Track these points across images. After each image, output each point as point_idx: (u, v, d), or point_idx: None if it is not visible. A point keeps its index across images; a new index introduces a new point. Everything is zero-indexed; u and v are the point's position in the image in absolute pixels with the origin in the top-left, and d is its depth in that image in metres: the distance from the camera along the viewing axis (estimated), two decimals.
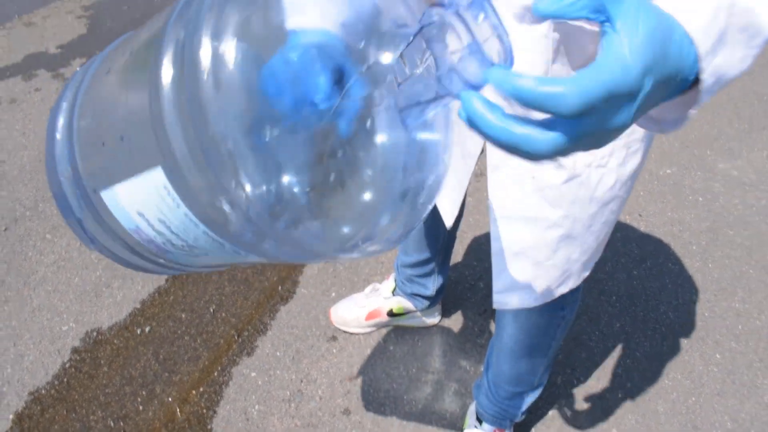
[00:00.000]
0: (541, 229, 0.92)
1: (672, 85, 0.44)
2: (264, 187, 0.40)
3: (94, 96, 0.50)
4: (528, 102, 0.39)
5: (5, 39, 3.08)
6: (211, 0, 0.39)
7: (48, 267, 1.87)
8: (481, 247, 1.96)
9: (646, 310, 1.80)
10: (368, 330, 1.69)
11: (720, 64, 0.46)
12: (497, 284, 1.02)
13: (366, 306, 1.67)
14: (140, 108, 0.42)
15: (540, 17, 0.43)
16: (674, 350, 1.70)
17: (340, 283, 1.83)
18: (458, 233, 1.65)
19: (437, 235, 1.45)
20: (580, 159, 0.84)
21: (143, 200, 0.45)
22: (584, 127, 0.39)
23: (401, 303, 1.64)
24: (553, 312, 1.18)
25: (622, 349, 1.70)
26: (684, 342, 1.72)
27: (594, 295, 1.83)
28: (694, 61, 0.44)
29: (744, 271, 1.93)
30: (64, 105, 0.53)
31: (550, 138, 0.39)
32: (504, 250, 0.97)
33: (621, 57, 0.39)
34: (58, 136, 0.52)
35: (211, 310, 1.75)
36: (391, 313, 1.65)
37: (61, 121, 0.52)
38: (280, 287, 1.81)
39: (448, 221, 1.07)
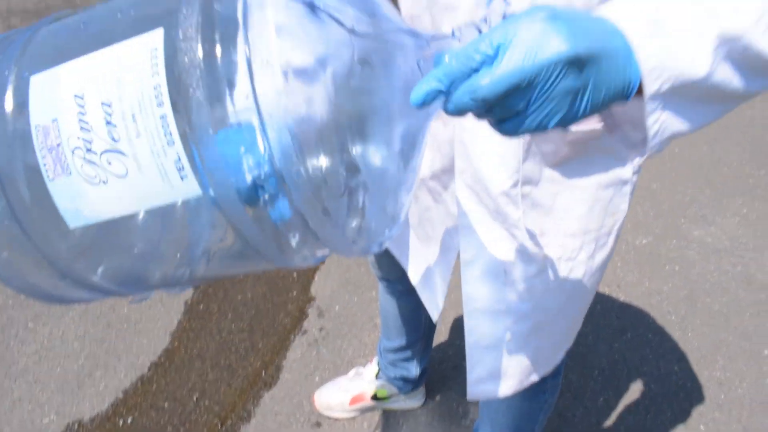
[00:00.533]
0: (511, 322, 0.94)
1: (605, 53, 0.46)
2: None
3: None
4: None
5: None
6: None
7: (29, 357, 1.86)
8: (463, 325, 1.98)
9: (628, 383, 1.81)
10: (353, 414, 1.68)
11: (661, 50, 0.48)
12: (471, 375, 1.04)
13: (350, 390, 1.67)
14: None
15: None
16: (658, 423, 1.71)
17: (323, 367, 1.83)
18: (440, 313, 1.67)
19: (418, 321, 1.48)
20: (550, 252, 0.87)
21: (99, 76, 0.40)
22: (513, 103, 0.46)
23: (385, 387, 1.64)
24: (534, 397, 1.19)
25: (606, 423, 1.70)
26: (668, 414, 1.73)
27: (576, 370, 1.84)
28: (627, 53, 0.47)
29: (723, 339, 1.96)
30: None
31: None
32: (477, 344, 0.99)
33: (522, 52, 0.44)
34: None
35: (194, 399, 1.74)
36: (375, 397, 1.65)
37: None
38: (263, 372, 1.81)
39: (434, 315, 1.09)
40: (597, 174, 0.83)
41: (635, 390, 1.79)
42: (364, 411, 1.69)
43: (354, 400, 1.66)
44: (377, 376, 1.66)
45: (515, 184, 0.80)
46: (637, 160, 0.82)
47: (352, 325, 1.97)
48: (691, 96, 0.51)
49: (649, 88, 0.49)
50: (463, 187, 0.85)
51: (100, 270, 0.47)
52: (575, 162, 0.81)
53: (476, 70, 0.44)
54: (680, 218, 2.50)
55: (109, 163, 0.40)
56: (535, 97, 0.45)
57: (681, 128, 0.52)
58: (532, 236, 0.85)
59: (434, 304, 1.07)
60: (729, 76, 0.50)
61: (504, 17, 0.47)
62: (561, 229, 0.86)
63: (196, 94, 0.37)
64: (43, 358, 1.86)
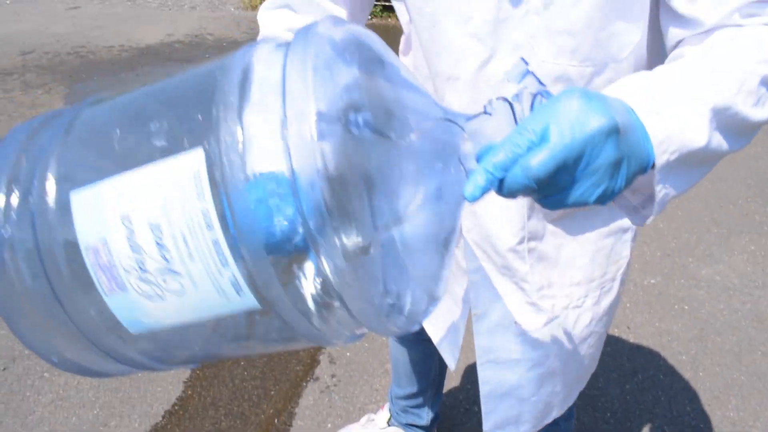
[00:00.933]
0: (524, 369, 0.97)
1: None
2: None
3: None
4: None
5: None
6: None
7: (45, 407, 1.88)
8: (474, 369, 1.99)
9: (641, 425, 1.80)
10: None
11: (668, 127, 0.53)
12: (487, 424, 1.06)
13: None
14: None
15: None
16: None
17: (336, 414, 1.84)
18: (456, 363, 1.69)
19: (429, 368, 1.49)
20: (558, 302, 0.90)
21: (141, 197, 0.40)
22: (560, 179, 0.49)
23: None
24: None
25: None
26: None
27: (588, 412, 1.84)
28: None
29: (735, 378, 1.95)
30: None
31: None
32: (492, 393, 1.02)
33: (565, 135, 0.47)
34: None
35: None
36: None
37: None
38: (276, 420, 1.82)
39: (452, 364, 1.12)
40: (598, 225, 0.87)
41: None
42: None
43: None
44: (389, 423, 1.66)
45: (521, 241, 0.84)
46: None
47: (363, 371, 1.99)
48: (691, 163, 0.56)
49: (660, 160, 0.53)
50: (471, 245, 0.89)
51: (146, 353, 0.48)
52: (577, 216, 0.85)
53: (522, 155, 0.47)
54: (688, 257, 2.51)
55: (165, 281, 0.41)
56: (580, 171, 0.48)
57: (679, 192, 0.58)
58: (539, 288, 0.89)
59: (451, 355, 1.11)
60: (721, 142, 0.57)
61: (537, 93, 0.49)
62: (566, 279, 0.89)
63: (244, 220, 0.38)
64: (59, 407, 1.88)
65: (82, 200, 0.42)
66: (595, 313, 0.94)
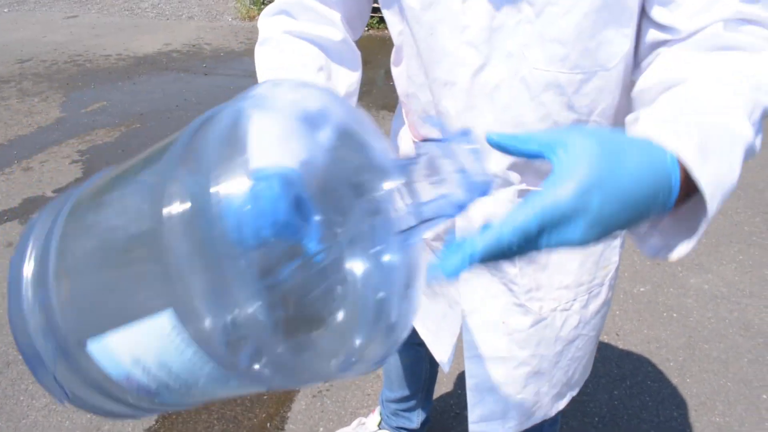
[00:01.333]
0: (510, 367, 0.99)
1: (648, 192, 0.47)
2: (278, 314, 0.42)
3: (77, 239, 0.48)
4: (488, 257, 0.46)
5: (4, 184, 3.23)
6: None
7: (39, 411, 1.90)
8: (464, 375, 2.01)
9: (628, 430, 1.83)
10: None
11: (713, 170, 0.50)
12: (472, 415, 1.08)
13: None
14: (144, 253, 0.43)
15: (494, 147, 0.50)
16: None
17: (327, 418, 1.86)
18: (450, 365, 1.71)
19: (419, 372, 1.52)
20: (546, 305, 0.92)
21: (143, 346, 0.44)
22: (543, 241, 0.46)
23: None
24: None
25: None
26: None
27: (577, 417, 1.86)
28: (669, 174, 0.48)
29: (722, 385, 1.98)
30: (32, 253, 0.49)
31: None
32: (477, 386, 1.04)
33: (548, 196, 0.45)
34: (28, 288, 0.49)
35: None
36: None
37: (29, 270, 0.49)
38: (268, 424, 1.84)
39: (445, 367, 1.14)
40: None
41: None
42: None
43: None
44: (380, 426, 1.68)
45: None
46: None
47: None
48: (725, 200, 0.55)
49: (710, 210, 0.52)
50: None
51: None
52: None
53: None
54: (677, 266, 2.54)
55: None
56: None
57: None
58: (528, 290, 0.91)
59: (444, 357, 1.13)
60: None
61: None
62: (555, 282, 0.91)
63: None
64: (53, 411, 1.89)
65: (95, 349, 0.47)
66: (582, 316, 0.96)
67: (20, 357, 2.05)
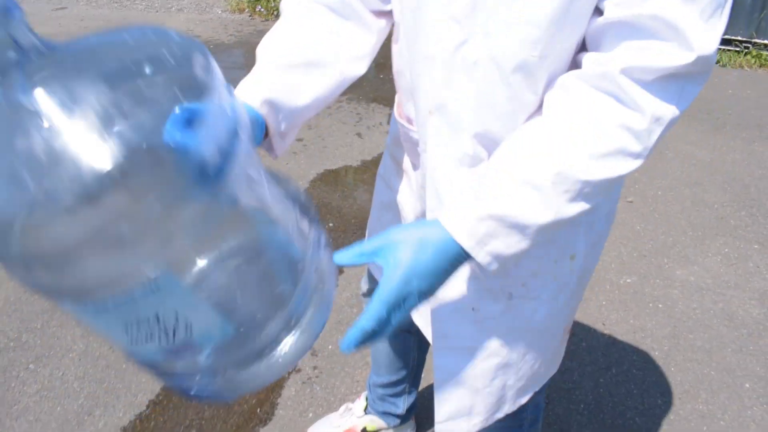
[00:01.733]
0: (480, 359, 0.99)
1: (447, 266, 0.72)
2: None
3: None
4: (364, 341, 0.71)
5: None
6: None
7: (31, 397, 1.91)
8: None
9: (613, 417, 1.86)
10: None
11: (494, 249, 0.72)
12: (439, 414, 1.07)
13: (340, 426, 1.72)
14: None
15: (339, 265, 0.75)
16: None
17: (317, 404, 1.88)
18: (430, 349, 1.73)
19: (407, 359, 1.54)
20: (515, 292, 0.93)
21: None
22: (395, 316, 0.70)
23: (374, 421, 1.69)
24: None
25: None
26: None
27: (563, 405, 1.89)
28: (460, 251, 0.72)
29: (706, 374, 2.02)
30: None
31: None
32: (445, 381, 1.04)
33: (386, 290, 0.70)
34: None
35: None
36: (365, 431, 1.70)
37: None
38: (258, 410, 1.86)
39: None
40: None
41: (620, 424, 1.84)
42: None
43: None
44: (366, 411, 1.71)
45: None
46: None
47: (344, 363, 2.03)
48: (521, 255, 0.75)
49: (490, 269, 0.74)
50: None
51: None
52: None
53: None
54: (664, 258, 2.58)
55: None
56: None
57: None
58: (496, 277, 0.91)
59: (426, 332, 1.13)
60: (550, 235, 0.74)
61: None
62: (522, 270, 0.92)
63: None
64: (44, 398, 1.90)
65: None
66: (552, 307, 0.96)
67: (11, 344, 2.07)
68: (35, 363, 2.03)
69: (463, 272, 0.92)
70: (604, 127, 0.68)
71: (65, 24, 6.17)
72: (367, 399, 1.71)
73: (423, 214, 0.99)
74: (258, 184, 0.59)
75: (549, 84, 0.76)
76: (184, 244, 0.52)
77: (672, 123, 0.69)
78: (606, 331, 2.19)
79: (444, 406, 1.07)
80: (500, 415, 1.08)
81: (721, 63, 4.78)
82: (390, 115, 0.78)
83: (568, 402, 1.91)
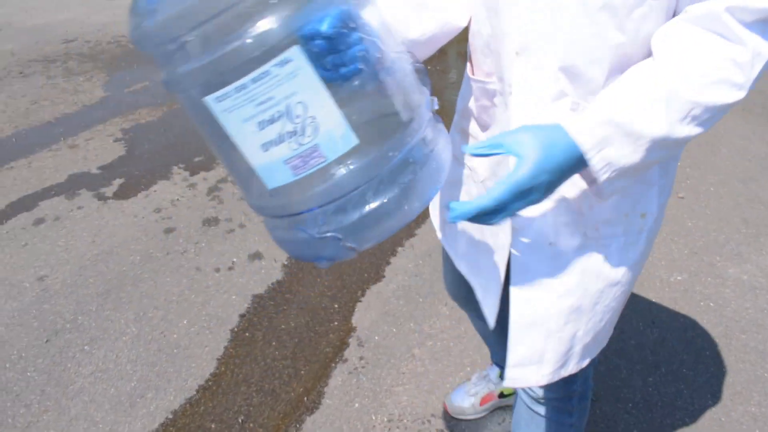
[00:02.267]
0: (554, 297, 1.02)
1: (568, 169, 0.79)
2: None
3: None
4: (476, 217, 0.79)
5: (51, 160, 3.32)
6: None
7: (86, 378, 1.97)
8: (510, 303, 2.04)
9: (662, 416, 1.83)
10: (483, 414, 1.84)
11: (608, 155, 0.78)
12: (512, 358, 1.10)
13: (478, 393, 1.83)
14: None
15: (472, 156, 0.85)
16: None
17: (363, 394, 1.90)
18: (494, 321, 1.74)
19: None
20: (589, 232, 0.98)
21: None
22: (515, 205, 0.78)
23: None
24: (562, 418, 1.27)
25: None
26: None
27: (611, 402, 1.87)
28: (581, 155, 0.78)
29: (759, 375, 1.97)
30: None
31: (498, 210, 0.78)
32: (520, 321, 1.06)
33: (517, 177, 0.76)
34: None
35: (240, 421, 1.82)
36: (502, 395, 1.83)
37: None
38: (305, 398, 1.89)
39: (490, 322, 1.17)
40: None
41: (669, 424, 1.81)
42: (493, 408, 1.85)
43: (484, 401, 1.82)
44: (501, 376, 1.79)
45: None
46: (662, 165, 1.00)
47: (390, 355, 2.04)
48: (632, 171, 0.82)
49: (602, 178, 0.81)
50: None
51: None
52: None
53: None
54: (716, 256, 2.52)
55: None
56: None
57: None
58: (572, 212, 0.97)
59: (490, 314, 1.17)
60: (658, 156, 0.80)
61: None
62: (596, 213, 0.97)
63: None
64: (99, 379, 1.97)
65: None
66: (621, 259, 1.01)
67: (68, 326, 2.14)
68: (90, 345, 2.10)
69: (542, 206, 0.97)
70: (711, 59, 0.75)
71: (119, 13, 6.29)
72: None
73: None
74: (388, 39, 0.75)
75: (642, 23, 0.81)
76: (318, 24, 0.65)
77: None
78: (655, 330, 2.15)
79: (517, 349, 1.09)
80: (565, 371, 1.10)
81: None
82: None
83: (616, 400, 1.88)
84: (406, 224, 0.74)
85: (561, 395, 1.24)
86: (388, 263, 2.49)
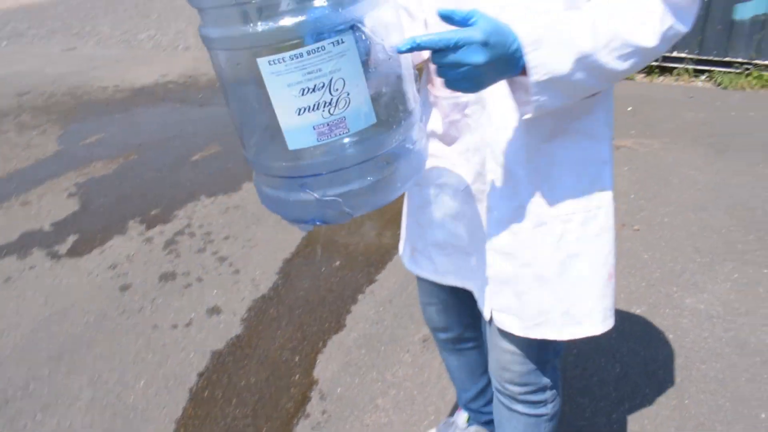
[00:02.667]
0: (517, 265, 1.15)
1: (509, 54, 0.85)
2: None
3: None
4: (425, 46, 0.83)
5: (3, 218, 3.25)
6: None
7: None
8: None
9: None
10: None
11: (541, 56, 0.86)
12: (494, 302, 1.21)
13: None
14: None
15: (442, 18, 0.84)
16: None
17: None
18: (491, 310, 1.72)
19: (484, 365, 1.61)
20: (545, 211, 1.11)
21: None
22: (455, 54, 0.82)
23: (479, 431, 1.78)
24: (536, 407, 1.37)
25: None
26: None
27: None
28: (519, 50, 0.86)
29: (720, 404, 1.98)
30: None
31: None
32: (494, 276, 1.19)
33: (467, 30, 0.82)
34: None
35: None
36: None
37: None
38: None
39: (486, 314, 1.25)
40: (580, 151, 1.10)
41: None
42: None
43: None
44: (468, 422, 1.78)
45: (522, 149, 1.08)
46: (610, 143, 1.13)
47: (353, 407, 2.01)
48: (559, 85, 0.90)
49: (532, 78, 0.88)
50: (490, 159, 1.12)
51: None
52: (563, 139, 1.08)
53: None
54: (672, 287, 2.55)
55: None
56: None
57: (554, 102, 0.92)
58: (532, 195, 1.10)
59: (485, 306, 1.25)
60: (582, 78, 0.90)
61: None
62: (557, 191, 1.10)
63: None
64: None
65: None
66: (582, 233, 1.12)
67: (19, 393, 2.07)
68: (42, 412, 2.03)
69: (507, 190, 1.11)
70: (633, 5, 0.90)
71: (75, 65, 6.26)
72: (466, 412, 1.79)
73: (477, 173, 1.16)
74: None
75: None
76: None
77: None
78: (617, 365, 2.16)
79: (497, 297, 1.20)
80: (541, 333, 1.19)
81: (722, 85, 4.78)
82: None
83: None
84: (392, 199, 0.88)
85: (534, 389, 1.32)
86: (349, 311, 2.47)
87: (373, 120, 0.81)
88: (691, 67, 4.97)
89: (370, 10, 0.79)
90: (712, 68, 4.92)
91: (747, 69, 4.84)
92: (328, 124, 0.78)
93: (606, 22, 0.88)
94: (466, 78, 0.85)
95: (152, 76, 5.84)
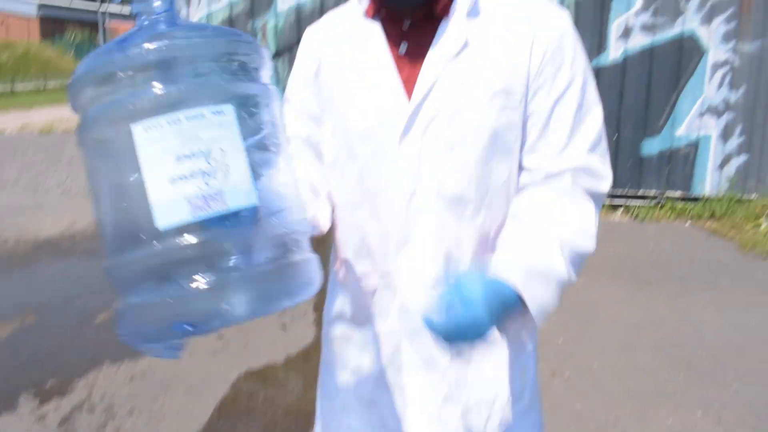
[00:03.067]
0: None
1: (511, 310, 0.89)
2: None
3: None
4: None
5: None
6: None
7: None
8: None
9: None
10: None
11: (535, 296, 0.90)
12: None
13: None
14: None
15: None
16: None
17: None
18: None
19: None
20: (472, 396, 1.07)
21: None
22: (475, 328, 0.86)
23: None
24: None
25: None
26: None
27: None
28: (516, 297, 0.89)
29: None
30: None
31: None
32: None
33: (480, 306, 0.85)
34: None
35: None
36: None
37: None
38: None
39: None
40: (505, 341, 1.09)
41: None
42: None
43: None
44: None
45: None
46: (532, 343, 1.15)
47: None
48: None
49: (538, 322, 0.94)
50: (408, 349, 1.08)
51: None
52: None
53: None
54: None
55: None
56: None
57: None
58: (456, 381, 1.07)
59: None
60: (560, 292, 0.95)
61: None
62: (479, 377, 1.07)
63: None
64: None
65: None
66: (504, 416, 1.08)
67: None
68: None
69: (429, 381, 1.08)
70: (575, 216, 0.98)
71: None
72: None
73: (390, 360, 1.10)
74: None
75: (489, 213, 1.01)
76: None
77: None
78: None
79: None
80: None
81: (639, 218, 4.98)
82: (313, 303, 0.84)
83: None
84: (282, 304, 0.77)
85: None
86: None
87: (255, 201, 0.73)
88: (607, 202, 5.18)
89: (253, 92, 0.79)
90: (627, 203, 5.14)
91: (659, 201, 5.08)
92: (204, 197, 0.70)
93: (569, 247, 0.94)
94: (472, 342, 0.88)
95: (58, 227, 5.58)
